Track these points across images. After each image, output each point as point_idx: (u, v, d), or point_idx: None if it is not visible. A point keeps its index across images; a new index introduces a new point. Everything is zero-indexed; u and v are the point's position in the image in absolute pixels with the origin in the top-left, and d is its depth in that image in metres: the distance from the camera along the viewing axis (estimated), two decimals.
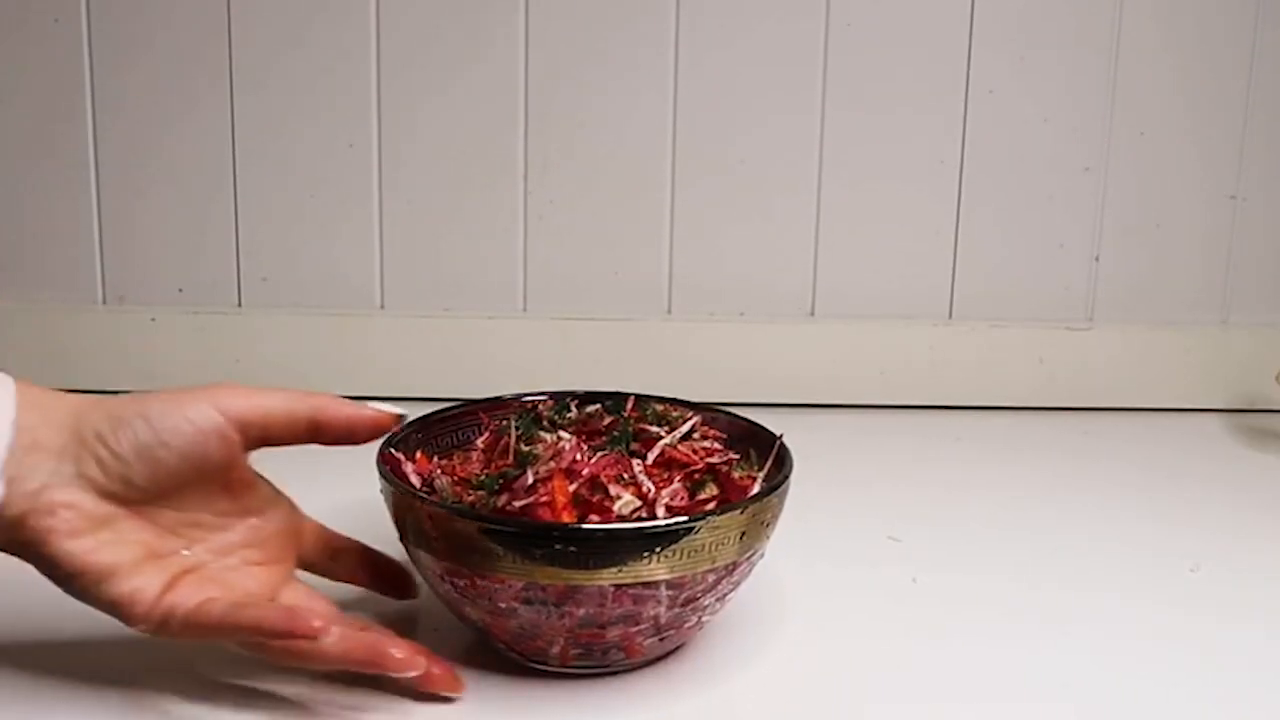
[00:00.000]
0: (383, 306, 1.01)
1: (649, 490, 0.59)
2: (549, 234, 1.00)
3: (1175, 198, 1.02)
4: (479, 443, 0.66)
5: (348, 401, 0.59)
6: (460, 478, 0.62)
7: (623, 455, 0.61)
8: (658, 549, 0.55)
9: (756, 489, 0.61)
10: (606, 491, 0.58)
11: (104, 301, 1.01)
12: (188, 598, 0.55)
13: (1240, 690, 0.62)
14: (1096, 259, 1.02)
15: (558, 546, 0.55)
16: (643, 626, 0.58)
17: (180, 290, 1.01)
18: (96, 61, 0.97)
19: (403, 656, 0.56)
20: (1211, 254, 1.03)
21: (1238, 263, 1.03)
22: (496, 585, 0.56)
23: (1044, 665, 0.64)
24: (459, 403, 0.70)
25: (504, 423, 0.66)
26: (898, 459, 0.92)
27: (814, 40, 0.98)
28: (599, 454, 0.61)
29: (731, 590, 0.61)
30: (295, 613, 0.55)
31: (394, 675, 0.56)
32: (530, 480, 0.58)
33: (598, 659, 0.60)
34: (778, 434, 0.66)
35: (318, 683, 0.59)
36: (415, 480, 0.61)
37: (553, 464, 0.59)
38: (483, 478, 0.61)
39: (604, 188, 1.00)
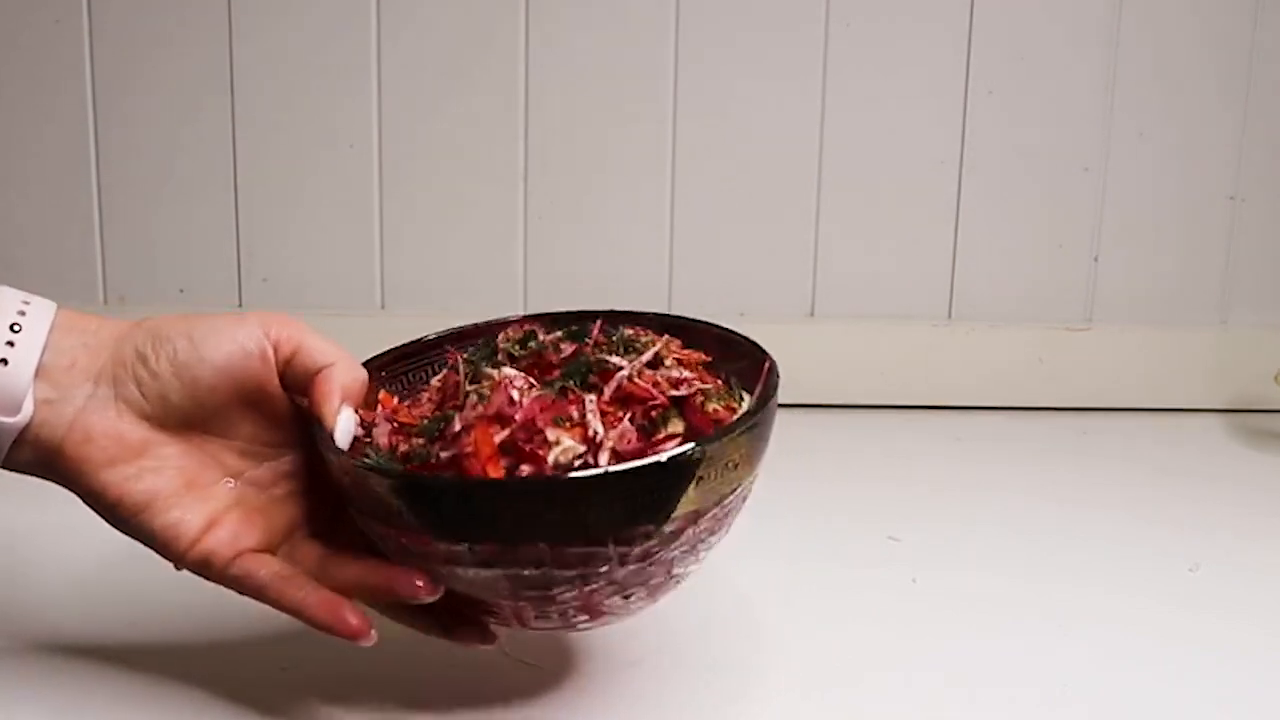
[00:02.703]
0: (383, 306, 1.01)
1: (596, 433, 0.52)
2: (549, 234, 1.00)
3: (1175, 198, 1.02)
4: (434, 382, 0.61)
5: (341, 383, 0.55)
6: (402, 424, 0.56)
7: (571, 392, 0.54)
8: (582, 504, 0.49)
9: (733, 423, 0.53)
10: (545, 436, 0.51)
11: (105, 301, 1.01)
12: (231, 540, 0.55)
13: (1240, 690, 0.62)
14: (1096, 259, 1.02)
15: (463, 505, 0.49)
16: (597, 586, 0.52)
17: (181, 290, 1.01)
18: (97, 62, 0.97)
19: (356, 622, 0.54)
20: (1211, 254, 1.03)
21: (1237, 263, 1.03)
22: (424, 546, 0.51)
23: (1044, 665, 0.64)
24: (427, 337, 0.65)
25: (459, 357, 0.59)
26: (897, 459, 0.92)
27: (814, 40, 0.98)
28: (538, 393, 0.53)
29: (707, 539, 0.54)
30: (337, 611, 0.53)
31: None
32: (457, 428, 0.52)
33: (558, 621, 0.54)
34: (766, 353, 0.58)
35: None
36: (352, 431, 0.55)
37: (480, 409, 0.53)
38: (424, 422, 0.55)
39: (604, 188, 1.00)
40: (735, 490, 0.53)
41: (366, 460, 0.53)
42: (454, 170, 0.99)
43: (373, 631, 0.53)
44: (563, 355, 0.57)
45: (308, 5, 0.96)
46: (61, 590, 0.68)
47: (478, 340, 0.62)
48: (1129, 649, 0.65)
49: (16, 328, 0.53)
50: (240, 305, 1.01)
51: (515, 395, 0.53)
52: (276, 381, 0.56)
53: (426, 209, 1.00)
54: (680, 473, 0.50)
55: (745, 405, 0.55)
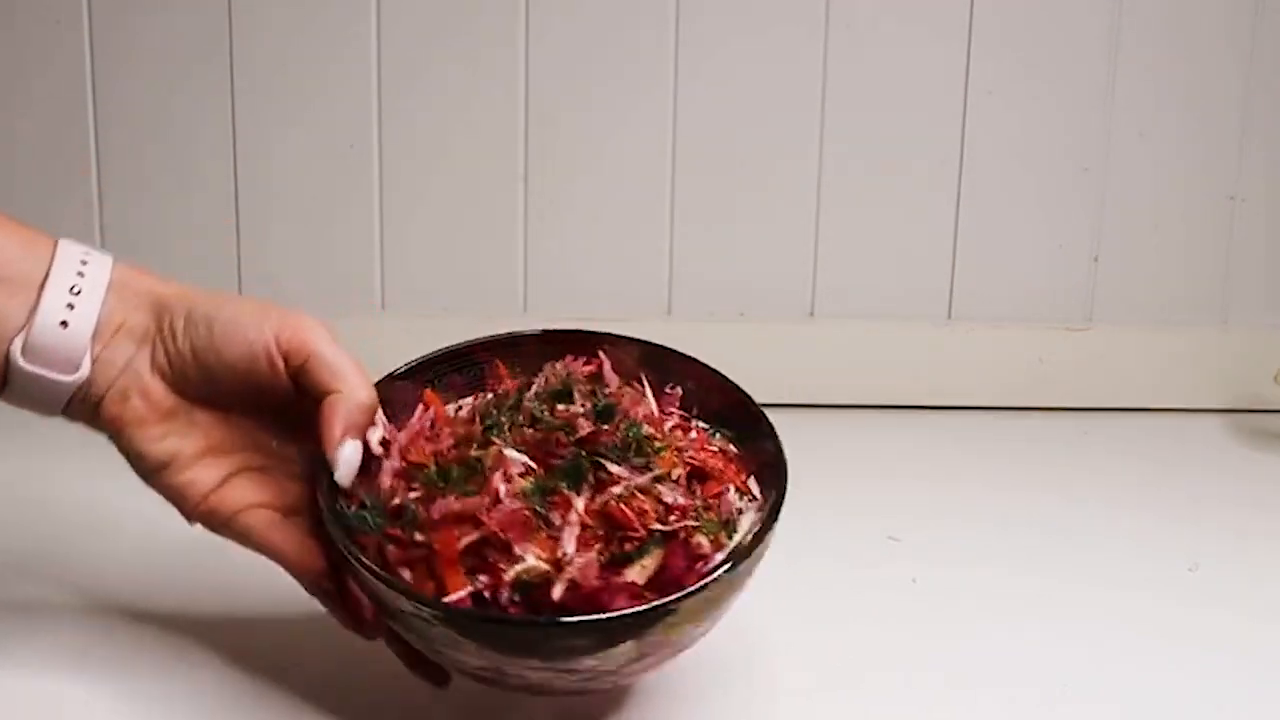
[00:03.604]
0: (383, 306, 1.01)
1: (565, 555, 0.52)
2: (549, 234, 1.00)
3: (1174, 198, 1.02)
4: (468, 405, 0.60)
5: (344, 417, 0.56)
6: (409, 464, 0.56)
7: (562, 495, 0.53)
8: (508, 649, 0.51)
9: (715, 560, 0.53)
10: (509, 548, 0.52)
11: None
12: (235, 498, 0.57)
13: (1240, 689, 0.62)
14: (1096, 259, 1.02)
15: (413, 614, 0.52)
16: (559, 689, 0.55)
17: None
18: (98, 62, 0.97)
19: (322, 567, 0.56)
20: (1211, 254, 1.03)
21: (1237, 263, 1.03)
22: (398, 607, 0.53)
23: (1044, 664, 0.64)
24: (483, 339, 0.64)
25: (487, 398, 0.60)
26: (897, 459, 0.92)
27: (814, 40, 0.98)
28: (521, 502, 0.53)
29: (655, 667, 0.55)
30: (307, 551, 0.56)
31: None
32: (435, 516, 0.53)
33: (520, 691, 0.56)
34: (782, 456, 0.58)
35: None
36: (355, 466, 0.56)
37: (456, 505, 0.53)
38: (429, 471, 0.55)
39: (604, 188, 1.00)
40: (693, 635, 0.54)
41: (349, 542, 0.54)
42: (454, 170, 0.99)
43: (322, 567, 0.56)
44: (578, 435, 0.55)
45: (308, 6, 0.96)
46: (60, 588, 0.68)
47: (528, 350, 0.62)
48: (1129, 649, 0.66)
49: (76, 290, 0.55)
50: None
51: (502, 490, 0.53)
52: (285, 382, 0.57)
53: (426, 209, 1.00)
54: (621, 629, 0.50)
55: (736, 540, 0.54)
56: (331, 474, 0.55)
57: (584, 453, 0.55)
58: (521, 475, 0.54)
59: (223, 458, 0.58)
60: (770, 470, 0.58)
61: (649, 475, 0.55)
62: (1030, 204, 1.01)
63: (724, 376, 0.62)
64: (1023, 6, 0.98)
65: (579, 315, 1.00)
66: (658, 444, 0.56)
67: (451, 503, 0.53)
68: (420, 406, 0.60)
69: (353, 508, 0.55)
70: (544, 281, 1.01)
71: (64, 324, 0.54)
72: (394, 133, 0.99)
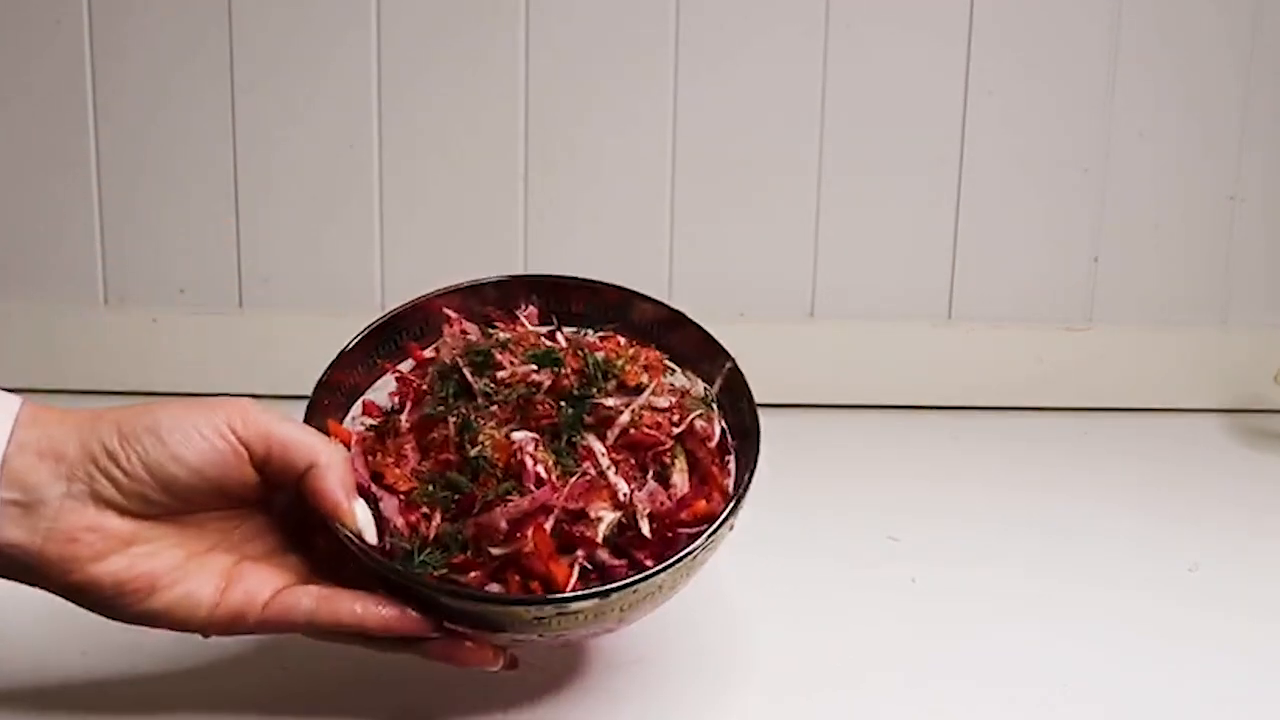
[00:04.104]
0: (383, 307, 1.01)
1: (625, 495, 0.55)
2: (549, 234, 1.00)
3: (1174, 198, 1.02)
4: (403, 419, 0.59)
5: (340, 482, 0.54)
6: (405, 494, 0.56)
7: (584, 446, 0.56)
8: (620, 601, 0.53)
9: (716, 433, 0.58)
10: (585, 514, 0.54)
11: (105, 302, 1.01)
12: (258, 587, 0.53)
13: (1240, 689, 0.62)
14: (1096, 259, 1.02)
15: (536, 615, 0.53)
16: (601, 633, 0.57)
17: (181, 291, 1.01)
18: (98, 62, 0.97)
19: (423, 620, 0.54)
20: (1210, 254, 1.03)
21: (1237, 263, 1.03)
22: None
23: (1044, 664, 0.64)
24: (362, 335, 0.63)
25: (423, 389, 0.59)
26: (897, 459, 0.92)
27: (814, 41, 0.98)
28: (560, 467, 0.55)
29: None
30: (408, 613, 0.54)
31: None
32: (503, 525, 0.53)
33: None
34: (728, 355, 0.61)
35: None
36: (372, 524, 0.55)
37: (524, 504, 0.54)
38: (430, 489, 0.55)
39: (604, 188, 1.00)
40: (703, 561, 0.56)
41: (412, 567, 0.53)
42: (454, 170, 0.99)
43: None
44: (545, 388, 0.57)
45: (308, 5, 0.96)
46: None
47: (413, 328, 0.63)
48: (1129, 648, 0.66)
49: None
50: (240, 305, 1.01)
51: (543, 473, 0.54)
52: (252, 472, 0.54)
53: (426, 209, 1.00)
54: (666, 582, 0.54)
55: (719, 410, 0.59)
56: (359, 539, 0.53)
57: (566, 403, 0.57)
58: (540, 459, 0.55)
59: (204, 558, 0.54)
60: (705, 350, 0.61)
61: (636, 395, 0.57)
62: (1030, 204, 1.01)
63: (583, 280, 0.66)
64: (1023, 6, 0.98)
65: None
66: (619, 361, 0.59)
67: (512, 506, 0.54)
68: (355, 442, 0.58)
69: (392, 560, 0.54)
70: None
71: None
72: (394, 132, 0.99)
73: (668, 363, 0.61)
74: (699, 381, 0.61)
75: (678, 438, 0.57)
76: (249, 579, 0.54)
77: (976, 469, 0.91)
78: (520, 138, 0.99)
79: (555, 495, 0.54)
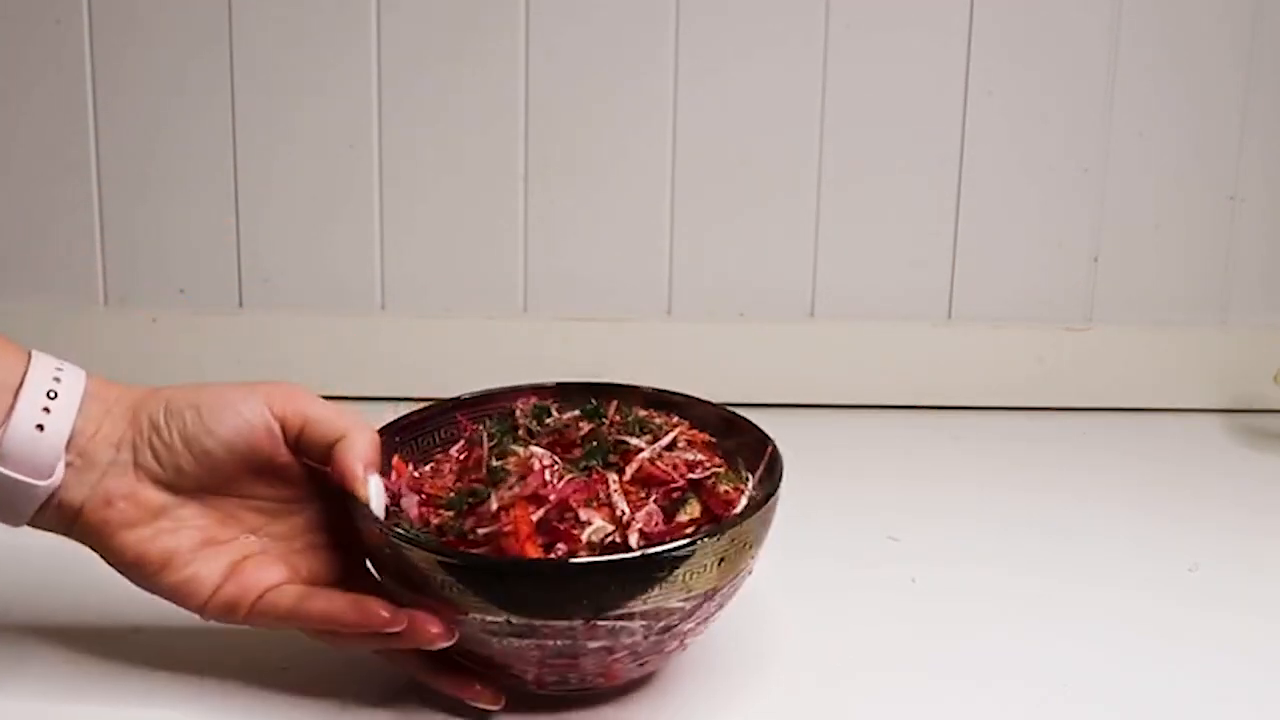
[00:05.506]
0: (383, 306, 1.01)
1: (623, 513, 0.56)
2: (549, 234, 1.00)
3: (1174, 198, 1.02)
4: (454, 451, 0.64)
5: (360, 455, 0.57)
6: (428, 495, 0.59)
7: (598, 472, 0.58)
8: (625, 585, 0.53)
9: (742, 504, 0.59)
10: (577, 516, 0.56)
11: (105, 302, 1.01)
12: (253, 583, 0.57)
13: (1240, 689, 0.62)
14: (1096, 259, 1.02)
15: (515, 584, 0.53)
16: (620, 655, 0.56)
17: (181, 291, 1.01)
18: (98, 62, 0.97)
19: (388, 615, 0.55)
20: (1210, 254, 1.03)
21: (1237, 263, 1.03)
22: (460, 617, 0.55)
23: (1044, 664, 0.64)
24: (438, 402, 0.67)
25: (479, 429, 0.63)
26: (897, 459, 0.92)
27: (814, 41, 0.98)
28: (570, 475, 0.57)
29: (716, 611, 0.58)
30: (365, 606, 0.55)
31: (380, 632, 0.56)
32: (494, 507, 0.56)
33: (575, 684, 0.58)
34: (769, 437, 0.63)
35: None
36: (383, 499, 0.58)
37: (516, 489, 0.56)
38: (452, 495, 0.58)
39: (604, 188, 1.00)
40: (745, 567, 0.58)
41: (406, 532, 0.56)
42: (454, 170, 0.99)
43: (401, 615, 0.55)
44: (582, 433, 0.61)
45: (308, 5, 0.96)
46: (59, 586, 0.68)
47: (485, 409, 0.66)
48: (1129, 648, 0.66)
49: (53, 394, 0.55)
50: (240, 305, 1.01)
51: (548, 476, 0.56)
52: (285, 451, 0.58)
53: (426, 209, 1.00)
54: (706, 553, 0.54)
55: (751, 485, 0.60)
56: (366, 506, 0.56)
57: (598, 442, 0.60)
58: (550, 466, 0.57)
59: (221, 548, 0.58)
60: (754, 446, 0.63)
61: (666, 440, 0.60)
62: (1030, 204, 1.01)
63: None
64: (1023, 6, 0.98)
65: (579, 315, 1.00)
66: (658, 422, 0.62)
67: (508, 491, 0.56)
68: (393, 473, 0.62)
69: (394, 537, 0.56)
70: (544, 281, 1.01)
71: (40, 427, 0.54)
72: (394, 133, 0.99)
73: (711, 440, 0.63)
74: (744, 469, 0.63)
75: (694, 484, 0.59)
76: (251, 574, 0.57)
77: (976, 469, 0.91)
78: (520, 138, 0.99)
79: (548, 487, 0.56)
